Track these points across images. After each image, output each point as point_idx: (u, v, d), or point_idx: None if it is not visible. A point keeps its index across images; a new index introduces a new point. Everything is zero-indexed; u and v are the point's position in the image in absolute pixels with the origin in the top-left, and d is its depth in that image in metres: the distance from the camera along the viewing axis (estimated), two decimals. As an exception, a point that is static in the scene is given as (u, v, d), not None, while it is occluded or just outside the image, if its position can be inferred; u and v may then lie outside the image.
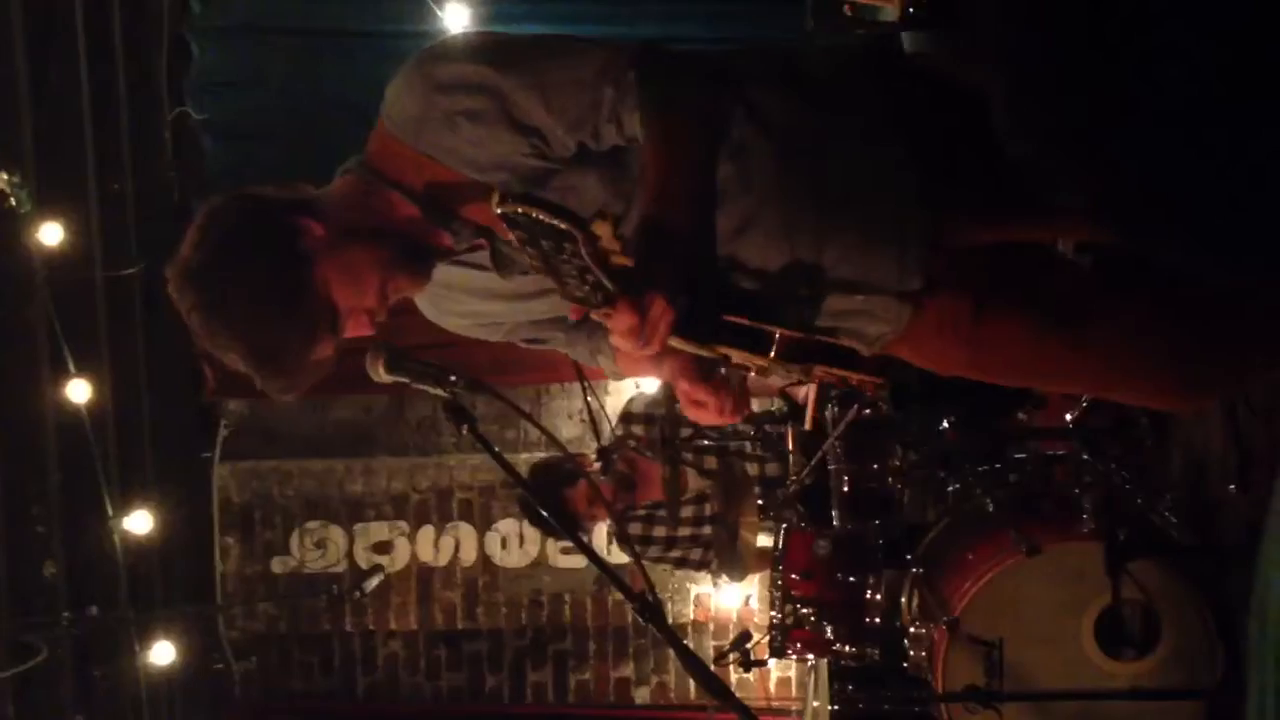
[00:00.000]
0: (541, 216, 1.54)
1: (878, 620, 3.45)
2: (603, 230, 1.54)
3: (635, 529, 4.23)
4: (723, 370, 1.84)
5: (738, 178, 1.76)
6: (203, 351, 1.92)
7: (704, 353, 1.73)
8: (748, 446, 4.16)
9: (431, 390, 1.85)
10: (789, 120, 1.79)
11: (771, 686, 5.20)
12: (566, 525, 3.46)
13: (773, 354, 1.69)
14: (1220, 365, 1.91)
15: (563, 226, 1.53)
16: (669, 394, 3.54)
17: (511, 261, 1.87)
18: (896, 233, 1.80)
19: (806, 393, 4.00)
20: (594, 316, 1.66)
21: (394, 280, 1.84)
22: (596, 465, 3.77)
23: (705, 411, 1.88)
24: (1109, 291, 1.87)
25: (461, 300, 1.99)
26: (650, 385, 4.42)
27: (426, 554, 5.38)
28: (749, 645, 3.57)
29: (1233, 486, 3.03)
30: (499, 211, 1.57)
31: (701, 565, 4.34)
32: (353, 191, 1.85)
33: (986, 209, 1.82)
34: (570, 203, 1.77)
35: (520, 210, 1.55)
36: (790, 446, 3.81)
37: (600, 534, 4.97)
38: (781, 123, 1.79)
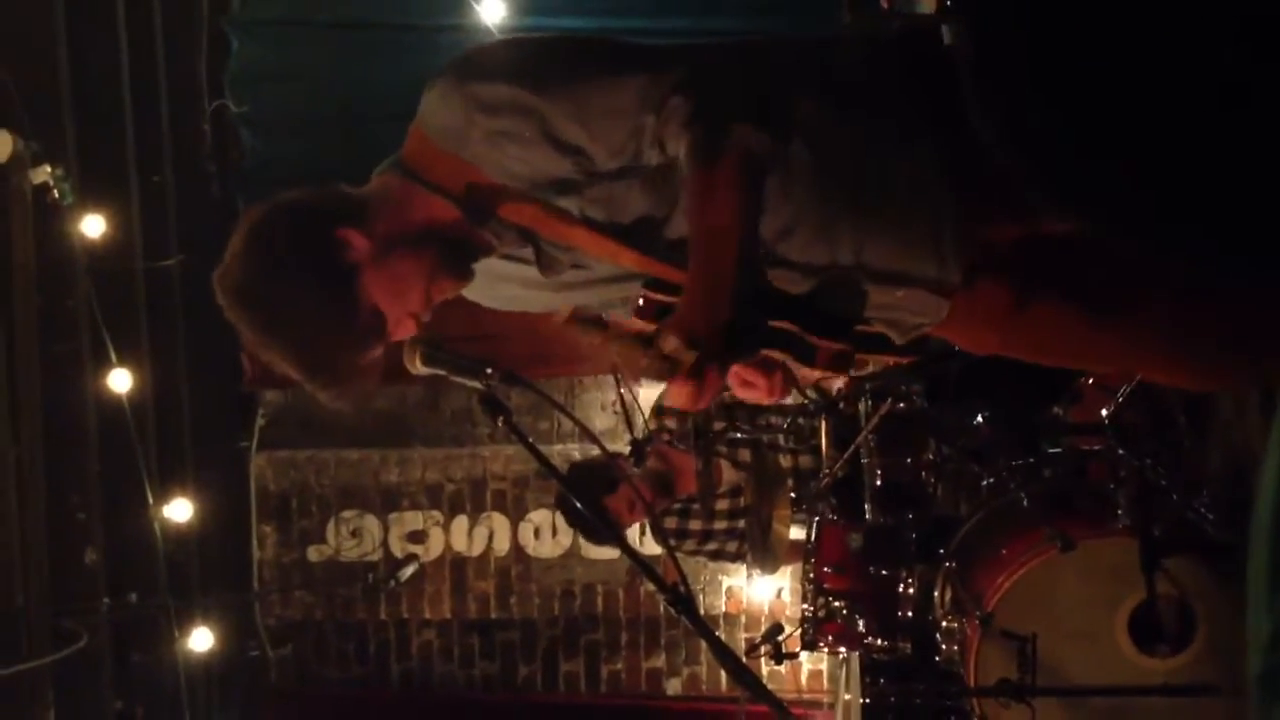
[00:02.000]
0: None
1: (910, 614, 3.44)
2: (671, 346, 1.67)
3: (670, 522, 4.23)
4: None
5: (780, 187, 1.77)
6: (246, 345, 1.96)
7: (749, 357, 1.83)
8: (781, 439, 4.16)
9: (467, 382, 1.87)
10: (826, 128, 1.81)
11: (803, 679, 5.19)
12: (603, 522, 3.47)
13: (817, 364, 1.79)
14: (1250, 349, 1.91)
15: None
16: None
17: (556, 262, 1.89)
18: (933, 229, 1.82)
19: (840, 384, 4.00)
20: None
21: (438, 284, 1.86)
22: (630, 459, 3.77)
23: (755, 391, 1.95)
24: (1143, 276, 1.87)
25: (505, 288, 2.01)
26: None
27: (460, 544, 5.41)
28: (780, 638, 3.56)
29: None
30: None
31: (737, 558, 4.34)
32: (392, 194, 1.86)
33: (1019, 201, 1.82)
34: (613, 212, 1.80)
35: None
36: (823, 440, 3.80)
37: (633, 526, 4.98)
38: (818, 130, 1.80)
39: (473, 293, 2.05)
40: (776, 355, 1.77)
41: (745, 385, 1.95)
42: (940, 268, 1.83)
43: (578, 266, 1.91)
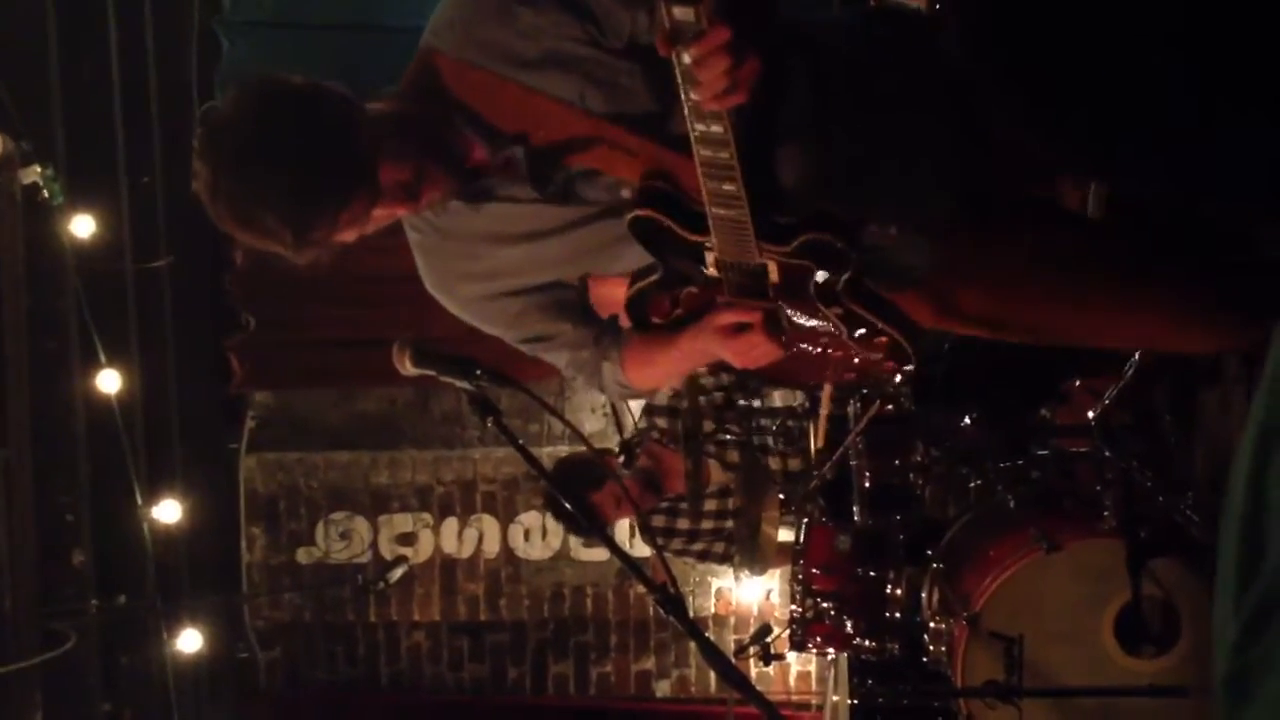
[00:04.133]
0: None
1: (898, 615, 3.45)
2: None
3: (658, 521, 4.24)
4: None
5: (779, 89, 1.72)
6: (230, 345, 1.94)
7: (748, 256, 1.76)
8: (770, 441, 4.17)
9: (457, 383, 1.87)
10: (829, 47, 1.79)
11: (791, 680, 5.21)
12: (590, 520, 3.48)
13: (814, 260, 1.71)
14: (1236, 314, 1.90)
15: None
16: (692, 388, 3.57)
17: (547, 178, 1.84)
18: (935, 150, 1.80)
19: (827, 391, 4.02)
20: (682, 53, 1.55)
21: (430, 169, 1.80)
22: (620, 459, 3.79)
23: (752, 337, 1.86)
24: (1138, 248, 1.87)
25: (477, 255, 1.96)
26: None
27: (450, 546, 5.41)
28: (769, 639, 3.58)
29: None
30: None
31: (724, 559, 4.35)
32: (392, 100, 1.84)
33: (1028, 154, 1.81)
34: (615, 98, 1.76)
35: None
36: (812, 442, 3.82)
37: (622, 527, 4.98)
38: (822, 49, 1.78)
39: (442, 285, 2.01)
40: (770, 251, 1.74)
41: (730, 336, 1.86)
42: (935, 196, 1.81)
43: (561, 201, 1.87)
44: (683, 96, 1.57)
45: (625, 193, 1.84)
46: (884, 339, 1.86)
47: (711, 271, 1.85)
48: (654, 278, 1.93)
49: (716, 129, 1.60)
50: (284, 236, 1.72)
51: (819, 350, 1.96)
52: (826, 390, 1.90)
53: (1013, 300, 1.94)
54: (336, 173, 1.72)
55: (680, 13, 1.46)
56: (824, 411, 2.24)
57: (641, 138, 1.77)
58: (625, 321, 2.04)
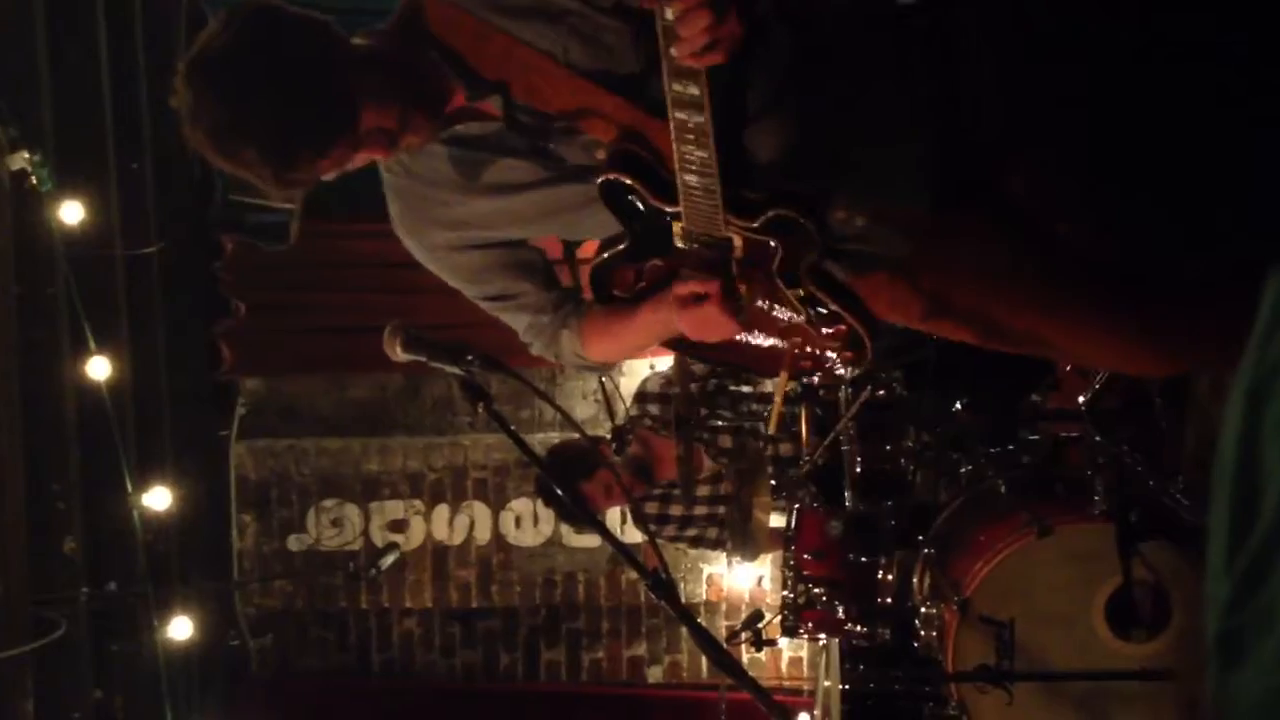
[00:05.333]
0: None
1: (889, 600, 3.46)
2: None
3: (651, 508, 4.24)
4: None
5: (760, 62, 1.72)
6: (220, 331, 1.94)
7: (715, 229, 1.76)
8: (761, 427, 4.17)
9: (448, 368, 1.87)
10: (813, 17, 1.77)
11: (783, 666, 5.22)
12: (581, 506, 3.48)
13: (780, 236, 1.71)
14: (1192, 342, 1.89)
15: None
16: (683, 373, 3.56)
17: (522, 126, 1.84)
18: (909, 140, 1.79)
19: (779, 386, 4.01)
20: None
21: (412, 115, 1.80)
22: (612, 446, 3.78)
23: (708, 308, 1.83)
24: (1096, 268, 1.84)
25: (447, 202, 1.94)
26: (665, 364, 4.43)
27: (441, 532, 5.41)
28: (761, 625, 3.59)
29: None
30: None
31: (717, 544, 4.36)
32: (379, 36, 1.85)
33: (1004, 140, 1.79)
34: (598, 55, 1.76)
35: None
36: (803, 427, 3.82)
37: (614, 513, 4.99)
38: (806, 19, 1.76)
39: (412, 226, 1.99)
40: (736, 224, 1.72)
41: (692, 305, 1.84)
42: (908, 193, 1.80)
43: (547, 155, 1.86)
44: (662, 53, 1.57)
45: (600, 154, 1.83)
46: (843, 327, 1.87)
47: (678, 242, 1.85)
48: (620, 248, 1.93)
49: (693, 90, 1.60)
50: (263, 173, 1.73)
51: (777, 334, 1.96)
52: (782, 378, 1.89)
53: (995, 301, 1.91)
54: (319, 117, 1.72)
55: None
56: (777, 399, 2.25)
57: (619, 98, 1.76)
58: (588, 293, 2.03)
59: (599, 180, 1.80)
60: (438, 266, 2.04)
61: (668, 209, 1.80)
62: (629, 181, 1.79)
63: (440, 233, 1.99)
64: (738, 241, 1.80)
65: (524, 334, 2.11)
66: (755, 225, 1.77)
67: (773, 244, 1.79)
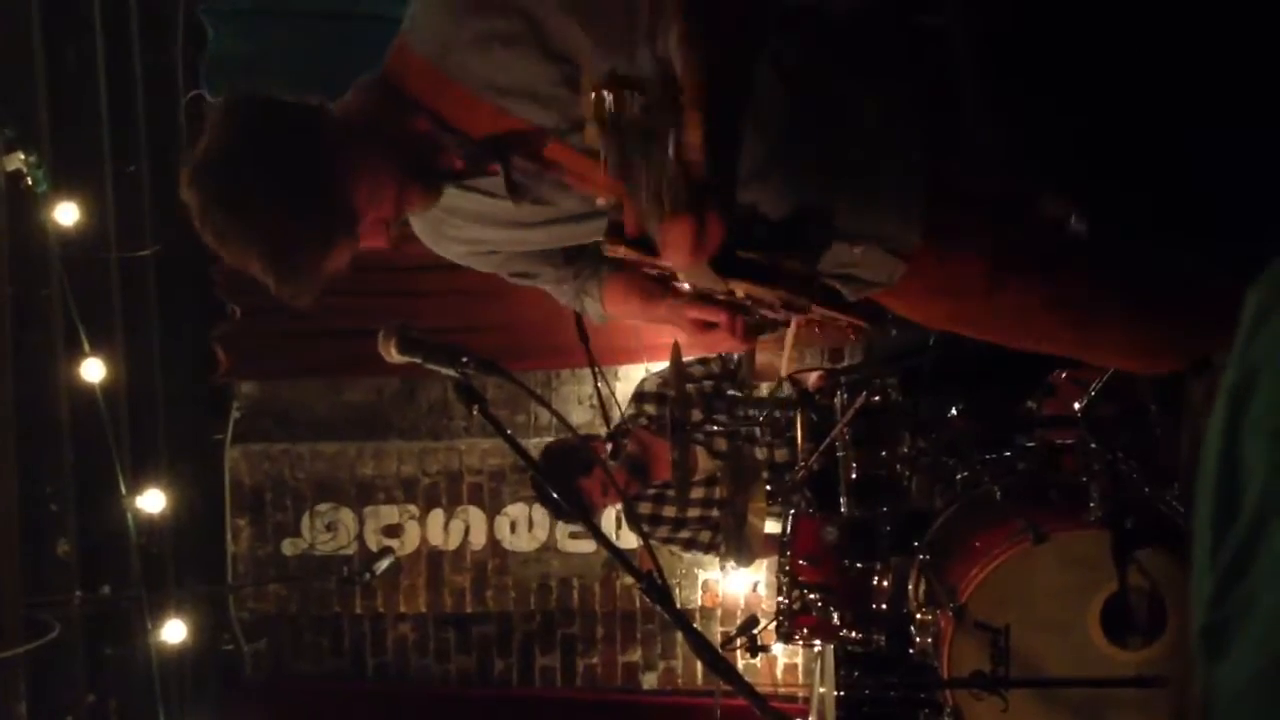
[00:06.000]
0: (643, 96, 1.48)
1: (884, 606, 3.45)
2: (693, 133, 1.47)
3: (644, 508, 4.24)
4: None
5: (754, 122, 1.73)
6: (216, 335, 1.97)
7: (716, 286, 1.78)
8: (757, 432, 4.17)
9: (443, 371, 1.87)
10: (804, 66, 1.79)
11: (778, 672, 5.21)
12: (576, 507, 3.48)
13: (780, 286, 1.74)
14: (1180, 336, 1.97)
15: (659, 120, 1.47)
16: (680, 375, 3.56)
17: (525, 189, 1.87)
18: (901, 181, 1.83)
19: (816, 380, 4.01)
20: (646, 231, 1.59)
21: (408, 193, 1.83)
22: (607, 448, 3.77)
23: (718, 334, 1.92)
24: (1094, 258, 1.90)
25: (461, 226, 2.00)
26: (661, 366, 4.43)
27: (436, 537, 5.40)
28: (756, 630, 3.58)
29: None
30: (599, 87, 1.46)
31: (710, 548, 4.35)
32: (369, 102, 1.85)
33: (989, 157, 1.84)
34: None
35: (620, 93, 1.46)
36: (799, 432, 3.82)
37: (609, 516, 4.98)
38: (797, 66, 1.78)
39: (427, 234, 2.05)
40: (739, 285, 1.75)
41: (705, 330, 1.93)
42: (902, 223, 1.85)
43: (540, 203, 1.89)
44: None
45: (600, 202, 1.82)
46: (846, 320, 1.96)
47: (685, 288, 1.92)
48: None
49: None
50: (269, 280, 1.78)
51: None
52: (793, 326, 1.98)
53: (981, 316, 1.98)
54: (319, 226, 1.77)
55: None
56: (789, 341, 2.32)
57: None
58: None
59: (604, 254, 1.81)
60: (457, 260, 2.13)
61: (669, 272, 1.85)
62: (629, 252, 1.79)
63: (458, 246, 2.06)
64: (740, 293, 1.83)
65: (550, 292, 2.21)
66: (756, 282, 1.80)
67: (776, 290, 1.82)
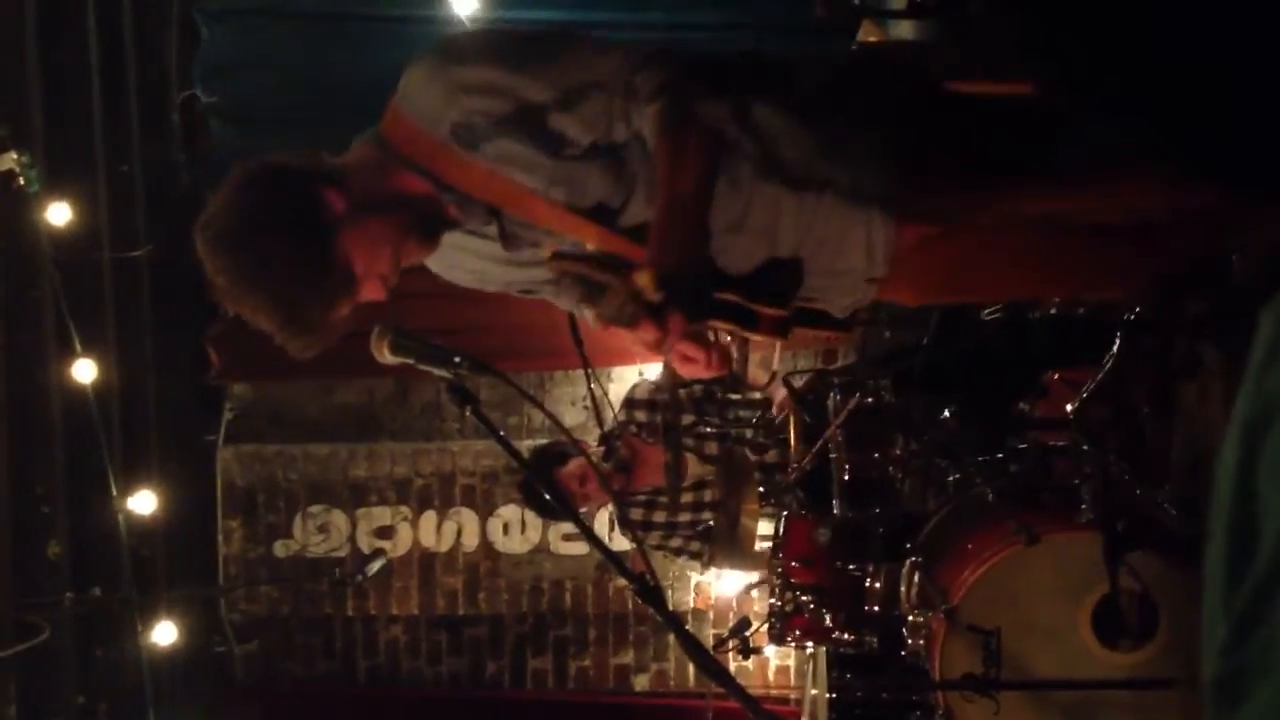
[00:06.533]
0: (592, 273, 1.84)
1: (877, 608, 3.46)
2: (644, 281, 1.75)
3: (636, 514, 4.24)
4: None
5: (729, 181, 1.92)
6: (208, 336, 2.04)
7: (696, 326, 1.95)
8: (749, 434, 4.17)
9: (436, 371, 1.87)
10: (777, 131, 1.95)
11: (770, 674, 5.21)
12: (566, 506, 3.48)
13: (759, 330, 1.94)
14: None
15: (607, 278, 1.81)
16: (671, 380, 3.56)
17: (518, 239, 2.00)
18: (867, 236, 2.00)
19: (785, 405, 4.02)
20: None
21: (406, 248, 1.97)
22: (600, 450, 3.78)
23: (696, 366, 2.08)
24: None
25: (464, 260, 2.13)
26: (653, 371, 4.43)
27: (429, 539, 5.39)
28: (748, 632, 3.58)
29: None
30: (550, 262, 1.84)
31: (698, 557, 4.36)
32: (369, 163, 1.98)
33: (958, 197, 2.00)
34: (574, 194, 1.92)
35: (571, 265, 1.83)
36: (791, 434, 3.82)
37: (601, 520, 4.98)
38: (770, 131, 1.94)
39: (435, 264, 2.16)
40: (721, 325, 1.91)
41: (686, 360, 2.08)
42: (869, 264, 2.03)
43: (535, 245, 2.03)
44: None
45: (590, 246, 2.00)
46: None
47: None
48: None
49: None
50: (278, 335, 1.93)
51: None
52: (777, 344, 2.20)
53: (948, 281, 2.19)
54: (321, 293, 1.91)
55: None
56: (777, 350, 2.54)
57: (600, 227, 1.95)
58: None
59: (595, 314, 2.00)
60: (468, 286, 2.27)
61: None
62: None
63: (464, 274, 2.19)
64: (723, 330, 2.04)
65: (551, 301, 2.33)
66: (732, 322, 1.99)
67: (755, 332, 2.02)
